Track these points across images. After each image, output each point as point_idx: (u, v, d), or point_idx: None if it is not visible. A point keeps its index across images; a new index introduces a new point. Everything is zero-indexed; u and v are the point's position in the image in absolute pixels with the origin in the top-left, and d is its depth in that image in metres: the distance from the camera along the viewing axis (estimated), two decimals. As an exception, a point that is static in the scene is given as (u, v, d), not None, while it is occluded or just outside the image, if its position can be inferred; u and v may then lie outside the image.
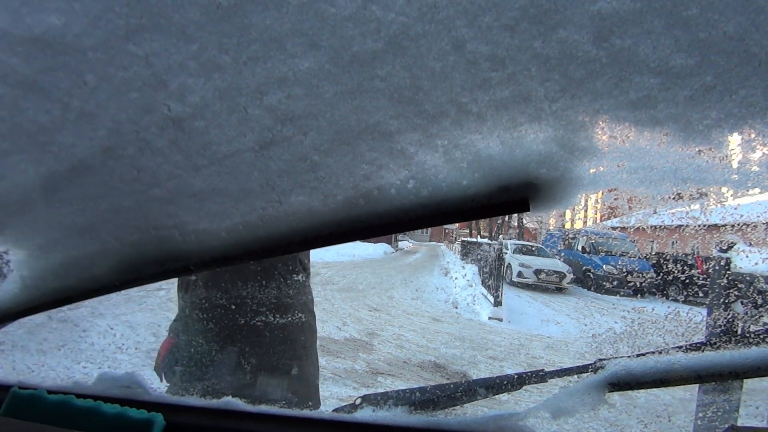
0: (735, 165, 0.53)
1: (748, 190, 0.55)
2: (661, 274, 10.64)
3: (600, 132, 0.51)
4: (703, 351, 0.78)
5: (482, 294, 8.79)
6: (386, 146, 0.53)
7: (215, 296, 1.12)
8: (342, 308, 6.96)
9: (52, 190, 0.59)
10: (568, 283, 11.87)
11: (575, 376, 0.91)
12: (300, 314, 1.20)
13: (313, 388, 1.26)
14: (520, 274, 11.82)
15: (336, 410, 0.81)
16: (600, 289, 11.85)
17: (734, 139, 0.50)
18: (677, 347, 0.84)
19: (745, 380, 0.90)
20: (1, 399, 0.56)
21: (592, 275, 12.43)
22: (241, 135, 0.53)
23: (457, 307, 7.92)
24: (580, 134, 0.51)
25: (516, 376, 1.06)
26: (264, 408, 0.68)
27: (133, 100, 0.51)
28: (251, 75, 0.50)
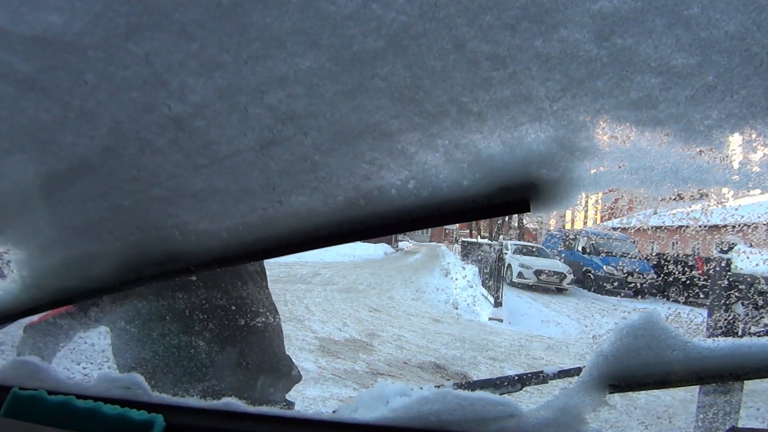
0: (736, 165, 0.53)
1: (748, 191, 0.55)
2: (662, 275, 10.63)
3: (601, 132, 0.51)
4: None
5: (482, 295, 8.78)
6: (387, 146, 0.53)
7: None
8: (342, 309, 6.95)
9: (53, 190, 0.59)
10: (568, 284, 11.85)
11: (576, 377, 0.91)
12: (262, 311, 1.21)
13: (286, 381, 1.26)
14: (520, 275, 11.79)
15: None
16: (600, 290, 11.83)
17: (735, 140, 0.50)
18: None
19: (745, 381, 0.90)
20: (2, 400, 0.56)
21: (592, 276, 12.42)
22: (242, 134, 0.53)
23: (457, 308, 7.91)
24: (581, 134, 0.50)
25: (516, 377, 1.06)
26: (264, 409, 0.68)
27: (133, 99, 0.51)
28: (252, 74, 0.50)
